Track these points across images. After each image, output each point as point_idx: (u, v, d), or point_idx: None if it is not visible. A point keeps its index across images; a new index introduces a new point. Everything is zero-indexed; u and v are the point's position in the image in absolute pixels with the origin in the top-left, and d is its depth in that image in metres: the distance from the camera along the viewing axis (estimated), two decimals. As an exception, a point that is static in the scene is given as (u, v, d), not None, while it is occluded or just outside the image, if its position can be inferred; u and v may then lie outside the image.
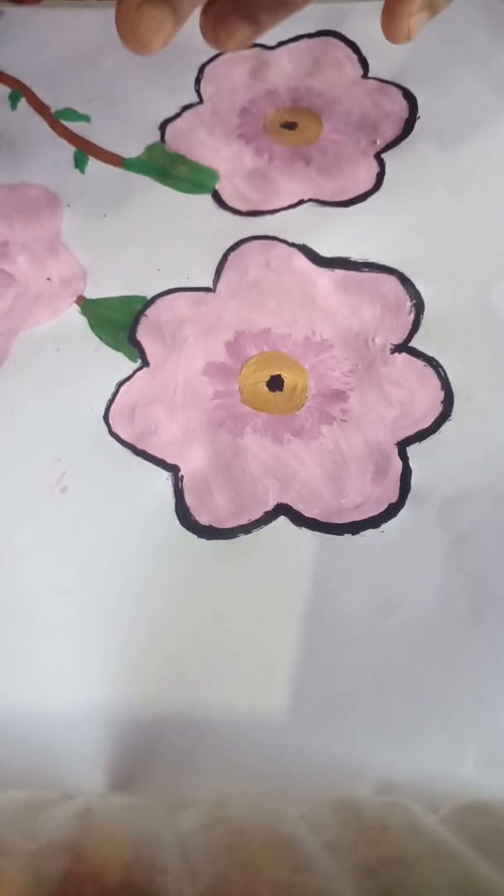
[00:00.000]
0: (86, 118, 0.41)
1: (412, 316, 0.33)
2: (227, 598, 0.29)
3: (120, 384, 0.33)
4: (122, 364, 0.34)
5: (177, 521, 0.30)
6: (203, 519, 0.30)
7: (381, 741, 0.26)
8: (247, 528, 0.30)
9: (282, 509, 0.30)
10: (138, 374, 0.33)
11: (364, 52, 0.42)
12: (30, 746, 0.26)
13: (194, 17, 0.43)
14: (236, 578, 0.29)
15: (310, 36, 0.43)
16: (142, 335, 0.34)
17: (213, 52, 0.43)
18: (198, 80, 0.42)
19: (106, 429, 0.32)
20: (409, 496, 0.30)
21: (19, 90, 0.43)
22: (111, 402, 0.33)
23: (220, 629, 0.28)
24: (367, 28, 0.42)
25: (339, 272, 0.35)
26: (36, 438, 0.32)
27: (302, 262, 0.35)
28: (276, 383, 0.32)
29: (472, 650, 0.27)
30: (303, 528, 0.29)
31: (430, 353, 0.33)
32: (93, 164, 0.39)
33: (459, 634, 0.27)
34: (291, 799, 0.23)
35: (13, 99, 0.42)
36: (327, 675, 0.27)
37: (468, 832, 0.21)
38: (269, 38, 0.43)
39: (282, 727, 0.26)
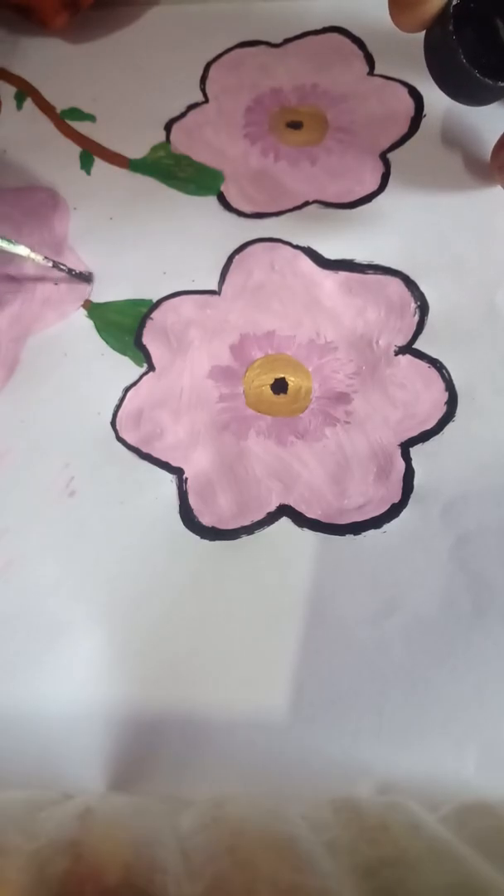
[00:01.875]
0: (91, 118, 0.41)
1: (416, 317, 0.33)
2: (229, 598, 0.29)
3: (127, 389, 0.33)
4: (129, 368, 0.34)
5: (181, 523, 0.30)
6: (206, 520, 0.30)
7: (382, 741, 0.26)
8: (249, 529, 0.30)
9: (284, 510, 0.30)
10: (144, 378, 0.33)
11: (370, 47, 0.42)
12: (30, 746, 0.27)
13: (198, 15, 0.43)
14: (238, 579, 0.29)
15: (316, 33, 0.43)
16: (147, 339, 0.34)
17: (218, 49, 0.43)
18: (203, 79, 0.42)
19: (113, 434, 0.32)
20: (412, 496, 0.30)
21: (25, 90, 0.43)
22: (118, 407, 0.33)
23: (222, 629, 0.28)
24: (373, 22, 0.42)
25: (343, 274, 0.35)
26: (45, 445, 0.33)
27: (306, 264, 0.35)
28: (280, 386, 0.32)
29: (474, 651, 0.27)
30: (305, 529, 0.30)
31: (434, 354, 0.33)
32: (98, 165, 0.40)
33: (461, 635, 0.27)
34: (291, 799, 0.23)
35: (19, 99, 0.43)
36: (328, 675, 0.27)
37: (468, 832, 0.22)
38: (274, 35, 0.43)
39: (282, 727, 0.26)
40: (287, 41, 0.43)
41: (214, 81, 0.42)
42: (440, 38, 0.32)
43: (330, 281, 0.35)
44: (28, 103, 0.42)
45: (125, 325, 0.35)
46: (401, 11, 0.31)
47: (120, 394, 0.33)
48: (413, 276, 0.34)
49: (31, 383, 0.34)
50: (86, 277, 0.36)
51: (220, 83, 0.42)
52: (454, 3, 0.31)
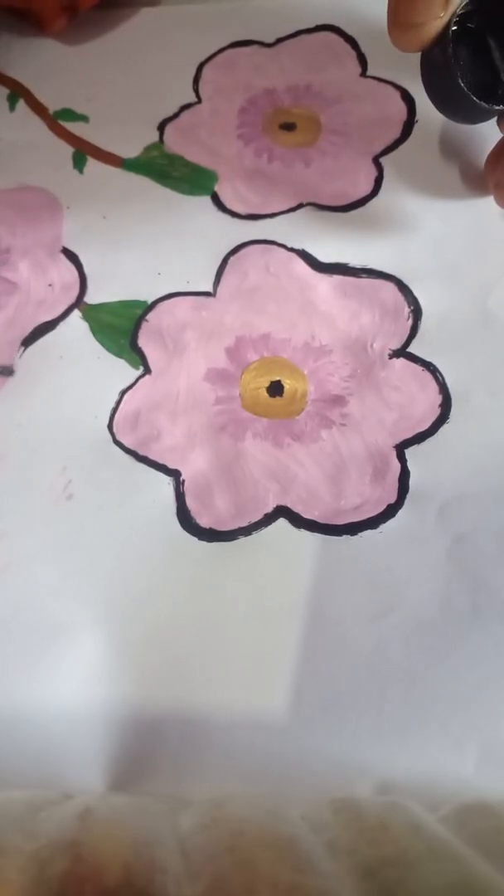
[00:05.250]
0: (84, 118, 0.41)
1: (410, 321, 0.33)
2: (227, 599, 0.29)
3: (123, 392, 0.33)
4: (125, 371, 0.34)
5: (178, 524, 0.30)
6: (204, 521, 0.30)
7: (381, 741, 0.26)
8: (247, 531, 0.30)
9: (281, 511, 0.30)
10: (141, 381, 0.33)
11: (363, 47, 0.42)
12: (30, 746, 0.27)
13: (191, 15, 0.43)
14: (236, 580, 0.29)
15: (308, 31, 0.43)
16: (143, 341, 0.34)
17: (211, 49, 0.43)
18: (196, 80, 0.42)
19: (110, 437, 0.32)
20: (408, 497, 0.30)
21: (18, 91, 0.43)
22: (115, 410, 0.33)
23: (221, 630, 0.28)
24: (365, 20, 0.42)
25: (337, 277, 0.35)
26: (43, 448, 0.32)
27: (301, 266, 0.35)
28: (276, 389, 0.33)
29: (472, 650, 0.27)
30: (302, 530, 0.30)
31: (428, 357, 0.33)
32: (92, 164, 0.40)
33: (459, 634, 0.27)
34: (291, 799, 0.23)
35: (12, 100, 0.42)
36: (327, 675, 0.27)
37: (468, 832, 0.22)
38: (267, 34, 0.43)
39: (282, 727, 0.26)
40: (280, 40, 0.43)
41: (207, 82, 0.42)
42: (439, 59, 0.32)
43: (324, 284, 0.35)
44: (21, 104, 0.42)
45: (120, 328, 0.35)
46: (401, 33, 0.31)
47: (116, 396, 0.33)
48: (406, 281, 0.34)
49: (27, 387, 0.34)
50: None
51: (213, 84, 0.42)
52: (454, 26, 0.31)
